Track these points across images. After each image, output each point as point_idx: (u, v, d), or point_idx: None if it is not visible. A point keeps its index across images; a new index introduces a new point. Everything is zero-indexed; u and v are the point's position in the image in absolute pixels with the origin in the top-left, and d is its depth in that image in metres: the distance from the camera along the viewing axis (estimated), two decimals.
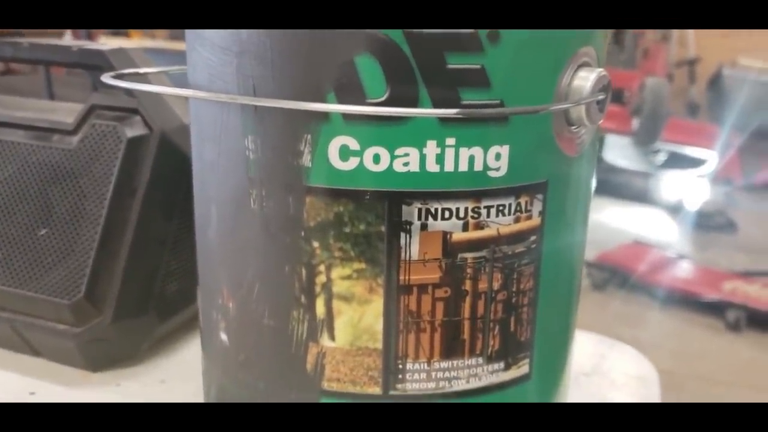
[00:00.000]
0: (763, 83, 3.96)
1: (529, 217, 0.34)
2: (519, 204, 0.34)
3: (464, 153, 0.32)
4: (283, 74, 0.32)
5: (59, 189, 0.48)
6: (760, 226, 3.50)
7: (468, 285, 0.34)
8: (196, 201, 0.39)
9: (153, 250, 0.49)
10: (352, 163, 0.32)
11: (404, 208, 0.32)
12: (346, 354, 0.34)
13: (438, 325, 0.34)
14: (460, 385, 0.35)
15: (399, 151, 0.31)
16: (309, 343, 0.34)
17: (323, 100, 0.31)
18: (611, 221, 3.49)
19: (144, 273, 0.49)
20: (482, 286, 0.34)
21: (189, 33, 0.36)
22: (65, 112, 0.51)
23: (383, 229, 0.32)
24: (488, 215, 0.33)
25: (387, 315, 0.33)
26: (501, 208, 0.33)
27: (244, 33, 0.32)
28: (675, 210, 3.59)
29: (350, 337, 0.34)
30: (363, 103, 0.31)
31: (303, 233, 0.33)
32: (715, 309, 2.52)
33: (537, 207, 0.34)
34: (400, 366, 0.34)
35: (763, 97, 3.83)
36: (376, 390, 0.34)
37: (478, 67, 0.31)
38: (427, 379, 0.35)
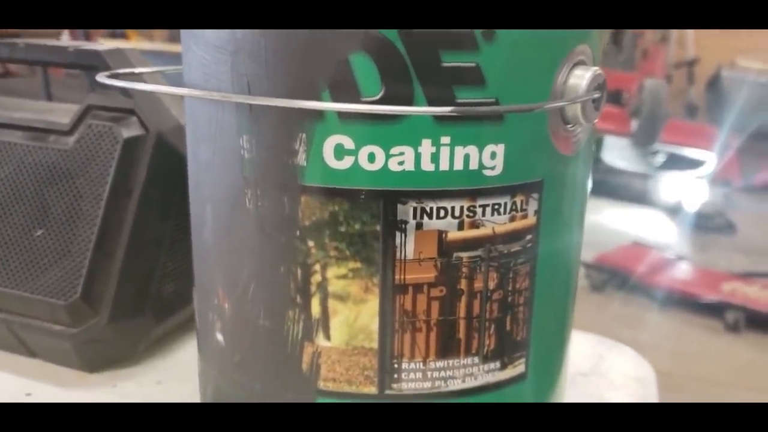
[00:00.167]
0: (762, 84, 3.96)
1: (525, 216, 0.34)
2: (514, 203, 0.33)
3: (459, 152, 0.32)
4: (278, 73, 0.31)
5: (55, 189, 0.48)
6: (759, 227, 3.50)
7: (463, 284, 0.34)
8: (192, 201, 0.38)
9: (149, 250, 0.49)
10: (347, 162, 0.32)
11: (399, 207, 0.32)
12: (342, 354, 0.34)
13: (433, 324, 0.34)
14: (456, 385, 0.35)
15: (394, 150, 0.31)
16: (304, 342, 0.34)
17: (318, 99, 0.31)
18: (610, 222, 3.48)
19: (140, 274, 0.49)
20: (478, 285, 0.34)
21: (184, 32, 0.36)
22: (61, 113, 0.51)
23: (378, 228, 0.32)
24: (484, 214, 0.33)
25: (382, 314, 0.33)
26: (496, 207, 0.33)
27: (238, 32, 0.32)
28: (674, 211, 3.59)
29: (346, 337, 0.34)
30: (358, 101, 0.31)
31: (298, 233, 0.33)
32: (714, 310, 2.52)
33: (533, 206, 0.34)
34: (396, 365, 0.34)
35: (761, 98, 3.83)
36: (372, 390, 0.34)
37: (473, 65, 0.31)
38: (423, 378, 0.34)
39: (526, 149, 0.33)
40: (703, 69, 4.25)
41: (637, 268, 2.73)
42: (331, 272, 0.33)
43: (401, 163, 0.31)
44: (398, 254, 0.33)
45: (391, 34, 0.30)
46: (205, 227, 0.37)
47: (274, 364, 0.35)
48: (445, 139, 0.31)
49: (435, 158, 0.32)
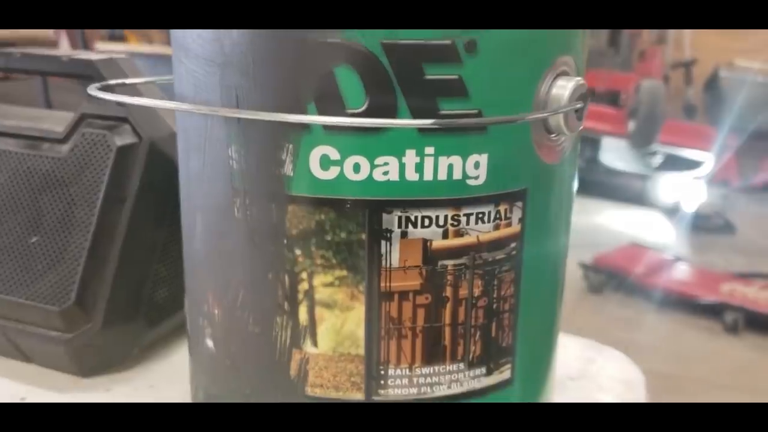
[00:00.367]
0: (760, 84, 3.97)
1: (509, 225, 0.35)
2: (498, 212, 0.34)
3: (443, 162, 0.32)
4: (265, 85, 0.32)
5: (50, 197, 0.49)
6: (758, 227, 3.51)
7: (448, 291, 0.34)
8: (183, 210, 0.39)
9: (142, 257, 0.50)
10: (332, 172, 0.32)
11: (384, 216, 0.33)
12: (329, 360, 0.35)
13: (419, 331, 0.34)
14: (442, 391, 0.35)
15: (379, 161, 0.32)
16: (292, 349, 0.35)
17: (304, 111, 0.32)
18: (608, 223, 3.49)
19: (133, 280, 0.50)
20: (463, 292, 0.34)
21: (175, 45, 0.36)
22: (56, 121, 0.52)
23: (364, 237, 0.33)
24: (468, 223, 0.34)
25: (369, 321, 0.34)
26: (480, 215, 0.34)
27: (227, 45, 0.33)
28: (672, 212, 3.59)
29: (333, 344, 0.34)
30: (343, 113, 0.31)
31: (285, 241, 0.34)
32: (713, 311, 2.52)
33: (517, 214, 0.35)
34: (382, 372, 0.35)
35: (759, 99, 3.84)
36: (358, 396, 0.35)
37: (455, 77, 0.31)
38: (409, 384, 0.35)
39: (509, 159, 0.34)
40: (700, 70, 4.25)
41: (635, 269, 2.73)
42: (318, 280, 0.34)
43: (386, 173, 0.32)
44: (384, 262, 0.33)
45: (375, 47, 0.31)
46: (195, 235, 0.38)
47: (263, 369, 0.36)
48: (429, 150, 0.32)
49: (419, 168, 0.32)
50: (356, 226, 0.33)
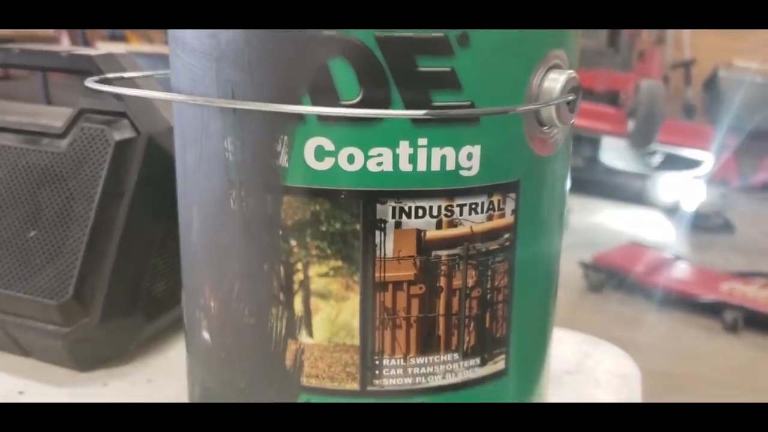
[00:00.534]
0: (759, 84, 3.97)
1: (502, 215, 0.35)
2: (492, 202, 0.34)
3: (436, 153, 0.33)
4: (260, 78, 0.32)
5: (48, 191, 0.49)
6: (757, 226, 3.51)
7: (442, 282, 0.35)
8: (180, 203, 0.39)
9: (140, 251, 0.50)
10: (327, 163, 0.33)
11: (378, 206, 0.33)
12: (324, 350, 0.35)
13: (413, 321, 0.35)
14: (436, 381, 0.36)
15: (373, 152, 0.32)
16: (288, 340, 0.35)
17: (299, 103, 0.32)
18: (608, 223, 3.50)
19: (131, 274, 0.50)
20: (456, 283, 0.35)
21: (171, 39, 0.37)
22: (55, 116, 0.52)
23: (358, 227, 0.33)
24: (461, 213, 0.34)
25: (363, 312, 0.34)
26: (474, 206, 0.34)
27: (222, 39, 0.33)
28: (672, 211, 3.60)
29: (328, 334, 0.35)
30: (337, 105, 0.32)
31: (281, 232, 0.34)
32: (713, 310, 2.53)
33: (510, 205, 0.35)
34: (377, 362, 0.35)
35: (758, 98, 3.84)
36: (353, 386, 0.35)
37: (448, 69, 0.32)
38: (403, 374, 0.35)
39: (502, 150, 0.34)
40: (699, 69, 4.26)
41: (635, 268, 2.74)
42: (313, 270, 0.34)
43: (380, 164, 0.32)
44: (378, 253, 0.34)
45: (369, 41, 0.31)
46: (192, 228, 0.38)
47: (259, 361, 0.36)
48: (422, 141, 0.32)
49: (413, 159, 0.32)
50: (351, 216, 0.33)
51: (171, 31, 0.36)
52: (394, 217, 0.33)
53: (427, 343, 0.35)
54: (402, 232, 0.33)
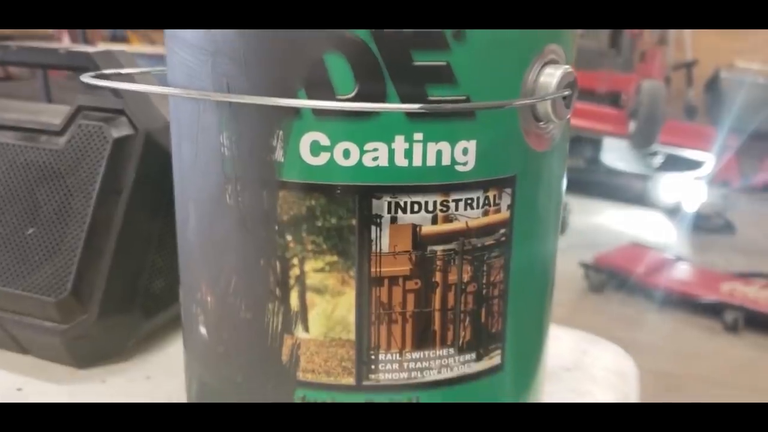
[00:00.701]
0: (760, 85, 3.97)
1: (498, 211, 0.35)
2: (487, 198, 0.34)
3: (432, 148, 0.33)
4: (256, 73, 0.32)
5: (46, 188, 0.49)
6: (758, 227, 3.51)
7: (438, 277, 0.35)
8: (177, 199, 0.39)
9: (138, 248, 0.50)
10: (323, 158, 0.33)
11: (374, 201, 0.33)
12: (320, 345, 0.35)
13: (409, 316, 0.35)
14: (432, 376, 0.36)
15: (368, 146, 0.32)
16: (284, 335, 0.35)
17: (294, 97, 0.32)
18: (609, 223, 3.49)
19: (129, 271, 0.50)
20: (452, 278, 0.35)
21: (167, 34, 0.37)
22: (53, 114, 0.52)
23: (354, 222, 0.33)
24: (457, 208, 0.34)
25: (359, 307, 0.34)
26: (469, 201, 0.34)
27: (218, 33, 0.33)
28: (673, 212, 3.59)
29: (324, 329, 0.35)
30: (332, 99, 0.32)
31: (277, 227, 0.34)
32: (713, 310, 2.53)
33: (506, 201, 0.35)
34: (373, 357, 0.35)
35: (760, 99, 3.84)
36: (349, 380, 0.35)
37: (443, 63, 0.32)
38: (399, 369, 0.35)
39: (498, 145, 0.34)
40: (701, 70, 4.26)
41: (636, 269, 2.74)
42: (309, 265, 0.34)
43: (375, 158, 0.32)
44: (374, 248, 0.34)
45: (364, 35, 0.31)
46: (188, 223, 0.38)
47: (255, 356, 0.36)
48: (418, 136, 0.32)
49: (408, 154, 0.32)
50: (346, 211, 0.33)
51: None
52: (389, 212, 0.33)
53: (423, 338, 0.35)
54: (397, 227, 0.33)
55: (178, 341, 0.54)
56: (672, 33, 4.35)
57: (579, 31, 0.38)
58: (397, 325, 0.35)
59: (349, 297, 0.34)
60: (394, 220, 0.33)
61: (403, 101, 0.32)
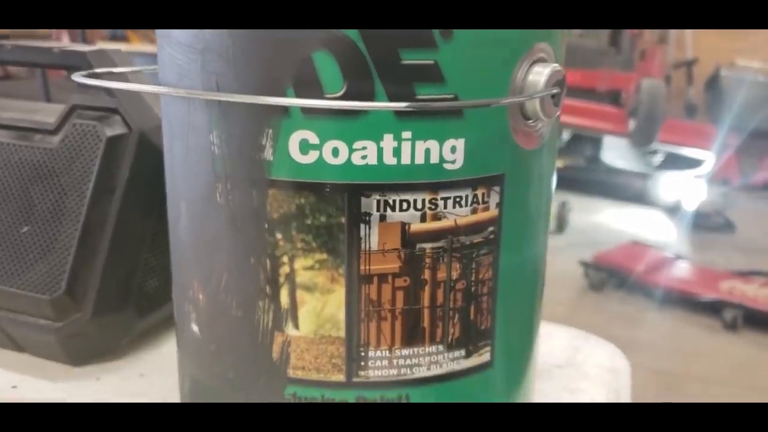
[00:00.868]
0: (761, 83, 3.97)
1: (487, 209, 0.35)
2: (476, 196, 0.35)
3: (420, 146, 0.33)
4: (245, 71, 0.33)
5: (41, 187, 0.49)
6: (758, 225, 3.51)
7: (427, 274, 0.35)
8: (168, 198, 0.40)
9: (132, 246, 0.51)
10: (311, 156, 0.33)
11: (363, 200, 0.33)
12: (310, 342, 0.35)
13: (398, 313, 0.35)
14: (421, 372, 0.36)
15: (357, 145, 0.32)
16: (275, 332, 0.35)
17: (283, 96, 0.32)
18: (609, 222, 3.50)
19: (123, 269, 0.50)
20: (441, 275, 0.35)
21: (159, 33, 0.37)
22: (48, 113, 0.52)
23: (343, 220, 0.33)
24: (445, 206, 0.34)
25: (349, 304, 0.34)
26: (458, 199, 0.34)
27: (207, 32, 0.33)
28: (673, 210, 3.60)
29: (314, 326, 0.35)
30: (321, 98, 0.32)
31: (267, 225, 0.34)
32: (713, 308, 2.53)
33: (494, 198, 0.35)
34: (363, 353, 0.35)
35: (760, 98, 3.84)
36: (339, 377, 0.35)
37: (431, 62, 0.32)
38: (389, 366, 0.36)
39: (486, 144, 0.34)
40: (702, 69, 4.26)
41: (635, 267, 2.74)
42: (299, 263, 0.34)
43: (364, 157, 0.33)
44: (363, 245, 0.34)
45: (353, 33, 0.31)
46: (180, 222, 0.38)
47: (247, 353, 0.36)
48: (407, 134, 0.33)
49: (397, 152, 0.33)
50: (336, 209, 0.33)
51: None
52: (378, 210, 0.33)
53: (412, 335, 0.35)
54: (386, 225, 0.34)
55: (172, 339, 0.55)
56: (672, 32, 4.35)
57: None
58: (387, 322, 0.35)
59: (339, 294, 0.34)
60: (383, 218, 0.33)
61: (392, 100, 0.32)
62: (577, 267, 2.78)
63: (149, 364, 0.51)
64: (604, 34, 4.09)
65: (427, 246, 0.34)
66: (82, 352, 0.51)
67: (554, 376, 0.52)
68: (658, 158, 3.83)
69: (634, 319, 2.55)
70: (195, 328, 0.39)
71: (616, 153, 3.89)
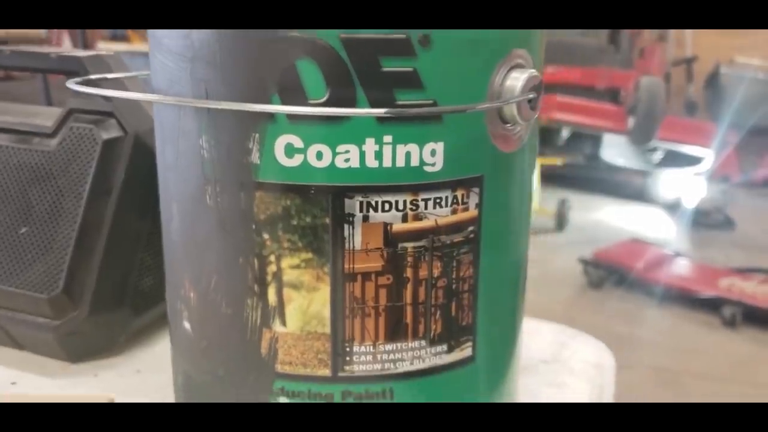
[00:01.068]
0: (760, 81, 3.98)
1: (466, 209, 0.37)
2: (455, 197, 0.36)
3: (401, 149, 0.34)
4: (232, 78, 0.34)
5: (39, 189, 0.51)
6: (757, 223, 3.52)
7: (409, 272, 0.36)
8: (161, 200, 0.41)
9: (128, 246, 0.52)
10: (297, 159, 0.34)
11: (347, 201, 0.34)
12: (297, 339, 0.36)
13: (382, 310, 0.36)
14: (404, 367, 0.37)
15: (340, 149, 0.34)
16: (263, 329, 0.37)
17: (268, 102, 0.34)
18: (609, 219, 3.51)
19: (119, 269, 0.52)
20: (422, 273, 0.36)
21: (150, 40, 0.38)
22: (47, 116, 0.54)
23: (328, 221, 0.35)
24: (426, 207, 0.35)
25: (334, 301, 0.36)
26: (438, 200, 0.36)
27: (195, 40, 0.34)
28: (672, 208, 3.61)
29: (300, 323, 0.36)
30: (305, 104, 0.33)
31: (254, 226, 0.35)
32: (712, 305, 2.54)
33: (474, 199, 0.37)
34: (348, 349, 0.37)
35: (760, 95, 3.84)
36: (325, 372, 0.37)
37: (410, 69, 0.33)
38: (373, 360, 0.37)
39: (465, 147, 0.36)
40: (701, 66, 4.26)
41: (635, 265, 2.75)
42: (285, 263, 0.36)
43: (347, 160, 0.34)
44: (347, 245, 0.35)
45: (334, 42, 0.33)
46: (172, 223, 0.40)
47: (236, 349, 0.38)
48: (388, 138, 0.34)
49: (378, 156, 0.34)
50: (320, 210, 0.35)
51: (150, 32, 0.38)
52: (361, 211, 0.35)
53: (395, 331, 0.37)
54: (369, 225, 0.35)
55: (166, 337, 0.56)
56: (672, 30, 4.35)
57: (543, 32, 0.40)
58: (371, 319, 0.36)
59: (324, 292, 0.36)
60: (366, 218, 0.35)
61: (373, 106, 0.33)
62: (576, 264, 2.79)
63: (145, 361, 0.53)
64: (603, 33, 4.10)
65: (409, 245, 0.36)
66: (80, 350, 0.52)
67: (540, 372, 0.53)
68: (657, 156, 3.84)
69: (634, 317, 2.56)
70: (187, 325, 0.40)
71: (615, 150, 3.90)
